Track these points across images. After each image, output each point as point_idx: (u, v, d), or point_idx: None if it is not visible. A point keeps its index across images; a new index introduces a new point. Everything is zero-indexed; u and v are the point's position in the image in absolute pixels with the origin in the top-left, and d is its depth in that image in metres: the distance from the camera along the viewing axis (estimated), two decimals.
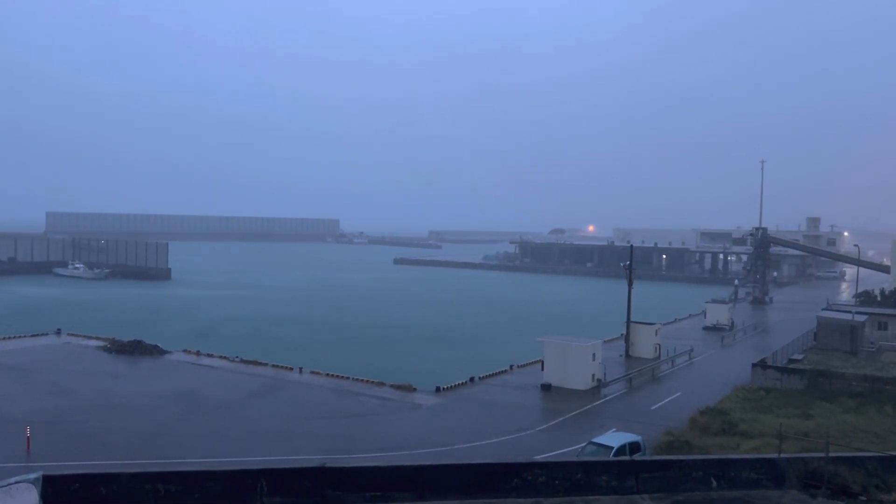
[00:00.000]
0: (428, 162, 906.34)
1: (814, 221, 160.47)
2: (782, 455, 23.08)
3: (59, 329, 54.11)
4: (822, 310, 61.49)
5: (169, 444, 28.21)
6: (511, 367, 44.88)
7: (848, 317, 53.49)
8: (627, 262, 54.65)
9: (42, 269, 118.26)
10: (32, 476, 16.91)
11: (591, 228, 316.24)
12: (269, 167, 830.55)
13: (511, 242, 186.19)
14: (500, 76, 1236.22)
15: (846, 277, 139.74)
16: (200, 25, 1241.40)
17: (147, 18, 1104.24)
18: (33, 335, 52.17)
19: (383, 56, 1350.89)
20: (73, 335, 52.85)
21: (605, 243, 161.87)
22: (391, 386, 38.87)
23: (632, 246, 59.96)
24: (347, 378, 40.70)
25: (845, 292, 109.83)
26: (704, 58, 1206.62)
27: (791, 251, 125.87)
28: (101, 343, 49.59)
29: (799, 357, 47.72)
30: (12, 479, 16.51)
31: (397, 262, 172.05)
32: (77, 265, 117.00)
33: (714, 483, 22.17)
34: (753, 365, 41.82)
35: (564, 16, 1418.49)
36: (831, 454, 22.34)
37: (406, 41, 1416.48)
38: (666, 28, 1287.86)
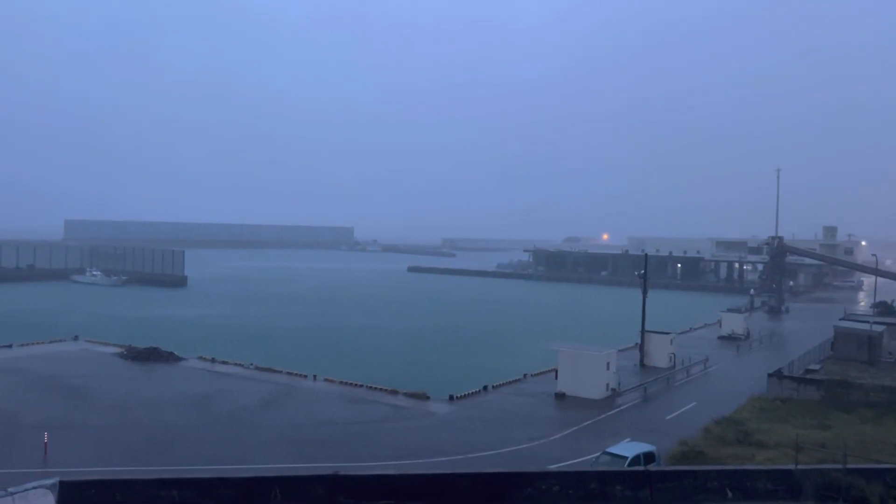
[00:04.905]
0: (441, 170, 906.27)
1: (831, 230, 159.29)
2: (799, 466, 22.90)
3: (76, 335, 54.70)
4: (840, 320, 60.91)
5: (183, 450, 28.38)
6: (525, 375, 44.74)
7: (866, 327, 52.97)
8: (642, 270, 54.45)
9: (60, 276, 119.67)
10: (49, 482, 17.17)
11: (605, 237, 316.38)
12: (285, 176, 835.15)
13: (525, 251, 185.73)
14: (508, 79, 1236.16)
15: (863, 287, 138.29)
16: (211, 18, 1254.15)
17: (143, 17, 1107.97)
18: (51, 341, 52.77)
19: (388, 62, 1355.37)
20: (90, 342, 53.36)
21: (620, 252, 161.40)
22: (405, 394, 38.89)
23: (646, 254, 59.77)
24: (361, 385, 40.78)
25: (863, 302, 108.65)
26: (718, 63, 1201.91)
27: (807, 260, 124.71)
28: (118, 350, 50.00)
29: (816, 367, 47.28)
30: (29, 485, 16.75)
31: (411, 269, 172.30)
32: (94, 272, 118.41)
33: (729, 494, 22.02)
34: (769, 375, 41.43)
35: (576, 13, 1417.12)
36: (849, 466, 22.15)
37: (410, 45, 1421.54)
38: (680, 32, 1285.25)
